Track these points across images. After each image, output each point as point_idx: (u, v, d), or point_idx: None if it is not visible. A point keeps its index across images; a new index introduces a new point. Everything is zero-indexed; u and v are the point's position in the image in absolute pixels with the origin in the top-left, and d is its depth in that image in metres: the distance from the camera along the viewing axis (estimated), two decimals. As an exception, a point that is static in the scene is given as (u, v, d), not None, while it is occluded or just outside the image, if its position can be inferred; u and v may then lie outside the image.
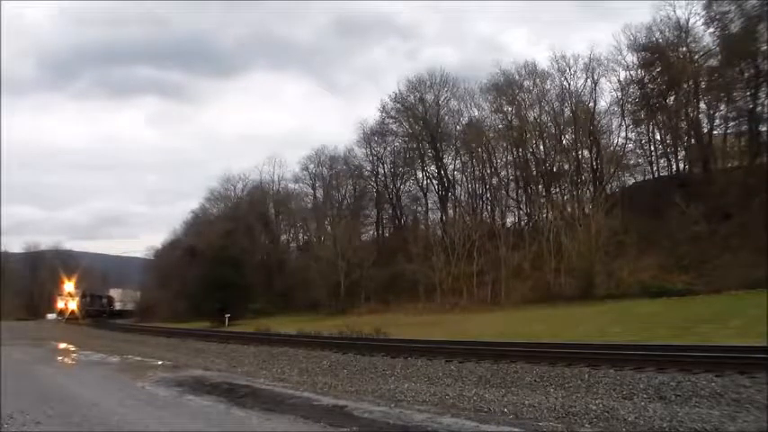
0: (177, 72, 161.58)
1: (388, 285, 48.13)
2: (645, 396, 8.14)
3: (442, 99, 55.29)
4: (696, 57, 42.55)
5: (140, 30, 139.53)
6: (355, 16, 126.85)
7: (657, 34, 43.60)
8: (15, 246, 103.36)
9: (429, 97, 55.51)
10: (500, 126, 50.77)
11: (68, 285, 63.68)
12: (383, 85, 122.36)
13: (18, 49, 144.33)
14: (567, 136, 47.72)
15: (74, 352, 23.51)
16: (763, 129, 39.14)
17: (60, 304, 62.69)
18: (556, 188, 48.11)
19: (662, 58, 43.47)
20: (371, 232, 61.58)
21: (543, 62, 50.25)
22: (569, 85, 46.98)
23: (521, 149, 49.69)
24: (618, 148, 46.46)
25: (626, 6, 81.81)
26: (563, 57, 46.83)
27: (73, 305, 61.98)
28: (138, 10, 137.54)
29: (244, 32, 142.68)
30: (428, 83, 55.36)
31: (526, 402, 8.38)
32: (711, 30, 41.20)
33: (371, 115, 77.62)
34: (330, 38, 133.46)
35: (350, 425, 7.46)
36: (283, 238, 68.81)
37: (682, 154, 45.04)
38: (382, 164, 59.06)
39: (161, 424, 8.15)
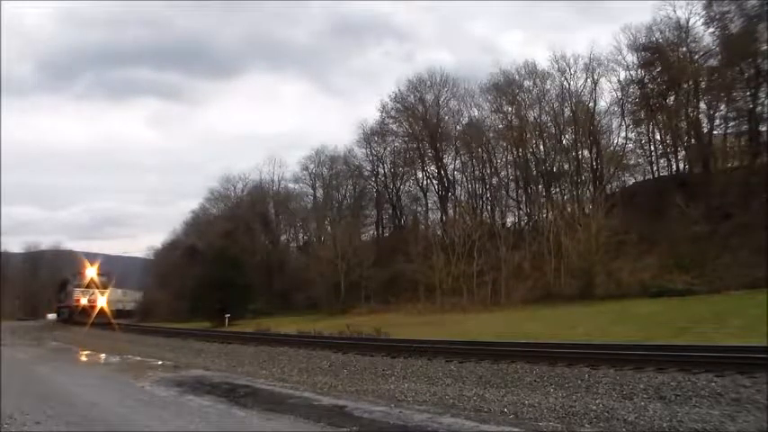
0: (176, 73, 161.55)
1: (388, 285, 48.11)
2: (645, 396, 8.14)
3: (441, 99, 55.34)
4: (696, 57, 42.57)
5: (139, 31, 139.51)
6: (351, 18, 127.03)
7: (657, 34, 43.66)
8: (15, 246, 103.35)
9: (429, 97, 55.57)
10: (500, 126, 50.79)
11: (91, 271, 44.02)
12: (381, 88, 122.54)
13: (18, 51, 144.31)
14: (567, 136, 47.76)
15: (73, 352, 23.51)
16: (763, 129, 39.18)
17: (83, 300, 42.68)
18: (556, 188, 48.11)
19: (662, 58, 43.48)
20: (371, 232, 61.61)
21: (543, 62, 50.25)
22: (569, 85, 47.06)
23: (521, 149, 49.67)
24: (618, 148, 46.50)
25: (625, 6, 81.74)
26: (563, 57, 46.91)
27: (102, 301, 42.80)
28: (136, 12, 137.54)
29: (242, 34, 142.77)
30: (428, 83, 55.42)
31: (526, 402, 8.38)
32: (711, 30, 41.25)
33: (371, 115, 77.74)
34: (327, 40, 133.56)
35: (350, 425, 7.47)
36: (283, 238, 68.82)
37: (682, 154, 45.06)
38: (382, 164, 59.13)
39: (161, 424, 8.15)
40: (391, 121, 57.65)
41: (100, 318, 40.22)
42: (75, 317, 41.93)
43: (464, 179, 54.54)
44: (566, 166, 47.21)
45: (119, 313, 62.31)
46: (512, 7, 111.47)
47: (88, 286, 43.03)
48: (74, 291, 43.50)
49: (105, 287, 43.96)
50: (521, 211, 51.75)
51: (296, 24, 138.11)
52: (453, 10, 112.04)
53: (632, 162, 46.92)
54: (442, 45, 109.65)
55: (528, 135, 49.02)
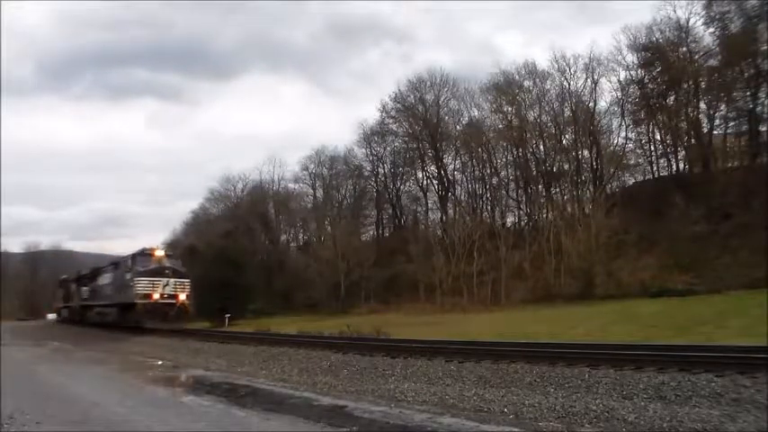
0: (175, 74, 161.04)
1: (388, 285, 48.14)
2: (645, 396, 8.14)
3: (442, 99, 55.48)
4: (696, 57, 42.61)
5: (138, 32, 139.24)
6: (349, 20, 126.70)
7: (657, 34, 43.76)
8: (15, 246, 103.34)
9: (429, 97, 55.70)
10: (500, 126, 50.86)
11: (160, 252, 30.66)
12: (380, 88, 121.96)
13: (18, 52, 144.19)
14: (567, 136, 47.85)
15: (74, 352, 23.50)
16: (763, 129, 39.27)
17: (156, 293, 27.94)
18: (556, 188, 48.19)
19: (662, 58, 43.53)
20: (371, 232, 61.75)
21: (543, 62, 50.39)
22: (569, 85, 47.14)
23: (521, 149, 49.75)
24: (618, 148, 46.56)
25: (625, 7, 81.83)
26: (563, 57, 47.01)
27: (183, 295, 28.82)
28: (135, 13, 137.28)
29: (241, 35, 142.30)
30: (428, 83, 55.57)
31: (526, 402, 8.38)
32: (711, 30, 41.39)
33: (371, 115, 77.75)
34: (326, 41, 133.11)
35: (350, 425, 7.47)
36: (283, 238, 68.85)
37: (682, 154, 45.16)
38: (382, 164, 59.30)
39: (161, 424, 8.15)
40: (391, 121, 57.83)
41: (179, 320, 28.04)
42: (133, 318, 28.18)
43: (464, 179, 54.70)
44: (566, 166, 47.27)
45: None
46: (511, 8, 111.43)
47: (159, 273, 28.10)
48: (135, 280, 27.85)
49: (184, 276, 29.41)
50: (521, 211, 51.87)
51: (294, 25, 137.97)
52: (452, 11, 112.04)
53: (632, 162, 47.05)
54: (440, 46, 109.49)
55: (528, 135, 49.08)
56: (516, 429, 7.03)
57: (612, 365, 9.92)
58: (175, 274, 28.86)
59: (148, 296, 27.69)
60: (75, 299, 40.92)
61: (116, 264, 32.31)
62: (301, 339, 20.63)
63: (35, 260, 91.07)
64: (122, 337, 27.56)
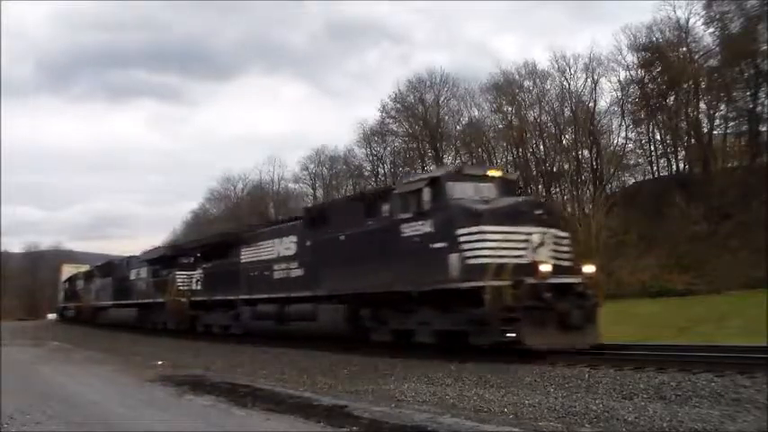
0: (174, 76, 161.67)
1: (388, 285, 48.05)
2: (645, 396, 8.13)
3: (441, 99, 55.45)
4: (696, 57, 42.62)
5: (137, 34, 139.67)
6: (347, 21, 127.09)
7: (657, 34, 43.76)
8: (15, 246, 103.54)
9: (429, 97, 55.65)
10: (500, 126, 50.86)
11: (496, 172, 13.26)
12: (380, 89, 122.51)
13: (18, 51, 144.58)
14: (567, 136, 47.82)
15: (73, 351, 23.50)
16: (763, 129, 39.25)
17: (544, 266, 10.74)
18: (556, 188, 48.17)
19: (662, 58, 43.52)
20: (371, 232, 61.58)
21: (543, 62, 50.39)
22: (569, 85, 47.12)
23: (521, 149, 49.74)
24: (618, 148, 46.54)
25: (624, 8, 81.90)
26: (563, 57, 46.99)
27: (589, 267, 11.75)
28: (134, 14, 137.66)
29: (239, 37, 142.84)
30: (428, 83, 55.53)
31: (526, 402, 8.37)
32: (711, 30, 41.38)
33: (371, 115, 77.74)
34: (324, 41, 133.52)
35: (350, 425, 7.46)
36: (283, 237, 68.77)
37: (682, 154, 45.15)
38: (382, 164, 59.23)
39: (161, 423, 8.15)
40: (391, 121, 57.78)
41: (585, 325, 11.14)
42: (456, 322, 11.85)
43: (464, 179, 54.54)
44: (566, 166, 47.25)
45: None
46: (509, 8, 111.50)
47: (526, 218, 11.30)
48: (465, 234, 11.11)
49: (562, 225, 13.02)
50: (521, 211, 51.74)
51: (293, 26, 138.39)
52: (449, 11, 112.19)
53: (632, 162, 47.03)
54: (438, 47, 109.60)
55: (528, 135, 49.07)
56: (516, 429, 7.03)
57: (612, 365, 9.93)
58: (552, 219, 12.57)
59: (532, 268, 11.06)
60: (167, 292, 25.85)
61: (320, 212, 17.14)
62: (301, 339, 20.59)
63: (35, 260, 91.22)
64: (122, 338, 27.55)
